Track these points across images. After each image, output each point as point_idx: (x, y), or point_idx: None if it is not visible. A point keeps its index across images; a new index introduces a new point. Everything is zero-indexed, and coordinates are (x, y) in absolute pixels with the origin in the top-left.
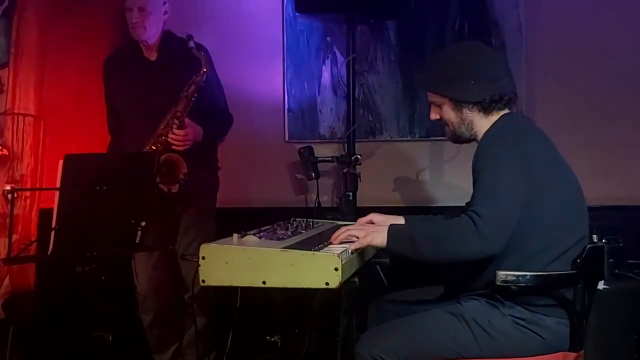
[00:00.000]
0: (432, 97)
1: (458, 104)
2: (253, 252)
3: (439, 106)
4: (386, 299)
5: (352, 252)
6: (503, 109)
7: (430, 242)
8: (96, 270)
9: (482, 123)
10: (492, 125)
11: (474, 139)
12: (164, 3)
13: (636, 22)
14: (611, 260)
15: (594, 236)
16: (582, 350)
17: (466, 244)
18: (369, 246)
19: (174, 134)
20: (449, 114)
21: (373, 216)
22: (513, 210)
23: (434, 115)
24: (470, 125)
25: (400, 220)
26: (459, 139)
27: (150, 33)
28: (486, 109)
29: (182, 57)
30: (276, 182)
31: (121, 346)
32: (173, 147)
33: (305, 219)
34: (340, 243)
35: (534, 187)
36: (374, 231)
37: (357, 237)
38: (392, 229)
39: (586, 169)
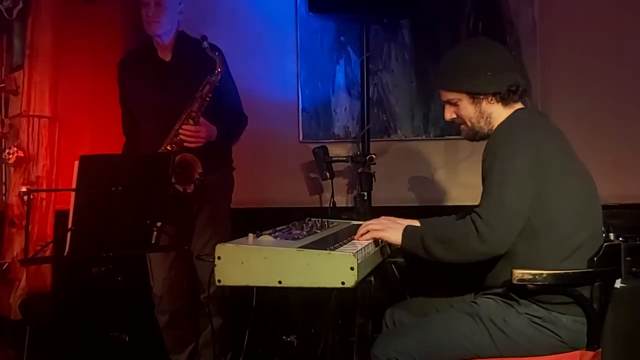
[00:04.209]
0: (447, 96)
1: (476, 97)
2: (269, 251)
3: (455, 104)
4: (402, 302)
5: (374, 246)
6: (518, 101)
7: (439, 245)
8: (112, 271)
9: (500, 115)
10: (504, 120)
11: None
12: (180, 3)
13: None
14: (628, 258)
15: (611, 234)
16: (600, 349)
17: (469, 246)
18: (384, 243)
19: (185, 129)
20: (467, 109)
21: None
22: (517, 214)
23: (449, 115)
24: (488, 119)
25: (414, 223)
26: (476, 136)
27: (165, 29)
28: (504, 100)
29: (196, 57)
30: (291, 182)
31: (137, 346)
32: (185, 143)
33: (320, 219)
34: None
35: (543, 183)
36: (391, 227)
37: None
38: (407, 229)
39: (603, 167)
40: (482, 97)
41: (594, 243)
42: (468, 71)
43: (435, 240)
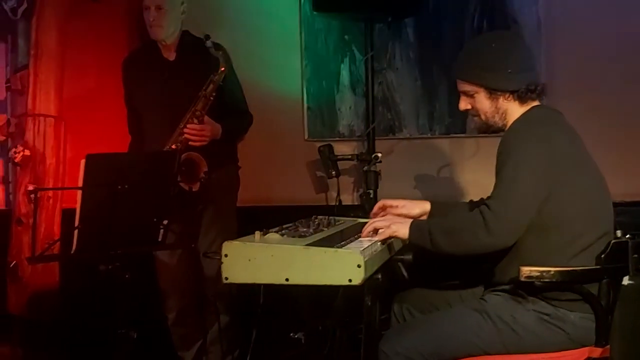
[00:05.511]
0: (465, 87)
1: (494, 92)
2: (276, 249)
3: (471, 96)
4: (410, 296)
5: (381, 244)
6: (536, 99)
7: (445, 237)
8: (119, 269)
9: (516, 113)
10: (521, 116)
11: (504, 129)
12: (182, 3)
13: None
14: (636, 255)
15: (618, 232)
16: (608, 346)
17: (476, 238)
18: (392, 238)
19: (189, 128)
20: (483, 103)
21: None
22: (527, 208)
23: (464, 105)
24: (504, 115)
25: (425, 204)
26: (489, 129)
27: (168, 32)
28: (522, 98)
29: (200, 56)
30: (296, 181)
31: (146, 344)
32: (190, 142)
33: (326, 217)
34: (367, 235)
35: (556, 181)
36: (398, 222)
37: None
38: (414, 223)
39: (608, 165)
40: (499, 93)
41: (605, 242)
42: (488, 66)
43: (442, 232)
